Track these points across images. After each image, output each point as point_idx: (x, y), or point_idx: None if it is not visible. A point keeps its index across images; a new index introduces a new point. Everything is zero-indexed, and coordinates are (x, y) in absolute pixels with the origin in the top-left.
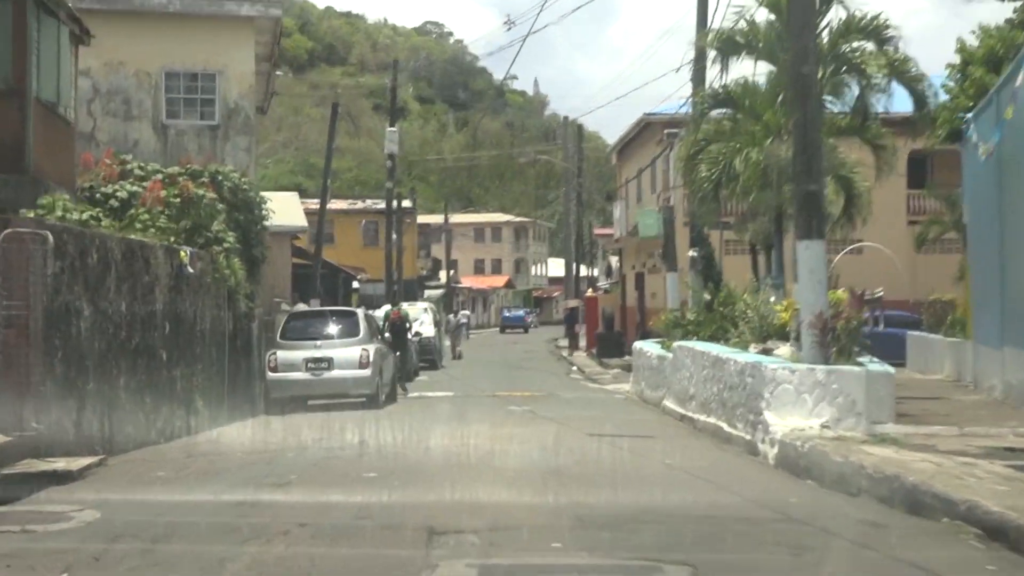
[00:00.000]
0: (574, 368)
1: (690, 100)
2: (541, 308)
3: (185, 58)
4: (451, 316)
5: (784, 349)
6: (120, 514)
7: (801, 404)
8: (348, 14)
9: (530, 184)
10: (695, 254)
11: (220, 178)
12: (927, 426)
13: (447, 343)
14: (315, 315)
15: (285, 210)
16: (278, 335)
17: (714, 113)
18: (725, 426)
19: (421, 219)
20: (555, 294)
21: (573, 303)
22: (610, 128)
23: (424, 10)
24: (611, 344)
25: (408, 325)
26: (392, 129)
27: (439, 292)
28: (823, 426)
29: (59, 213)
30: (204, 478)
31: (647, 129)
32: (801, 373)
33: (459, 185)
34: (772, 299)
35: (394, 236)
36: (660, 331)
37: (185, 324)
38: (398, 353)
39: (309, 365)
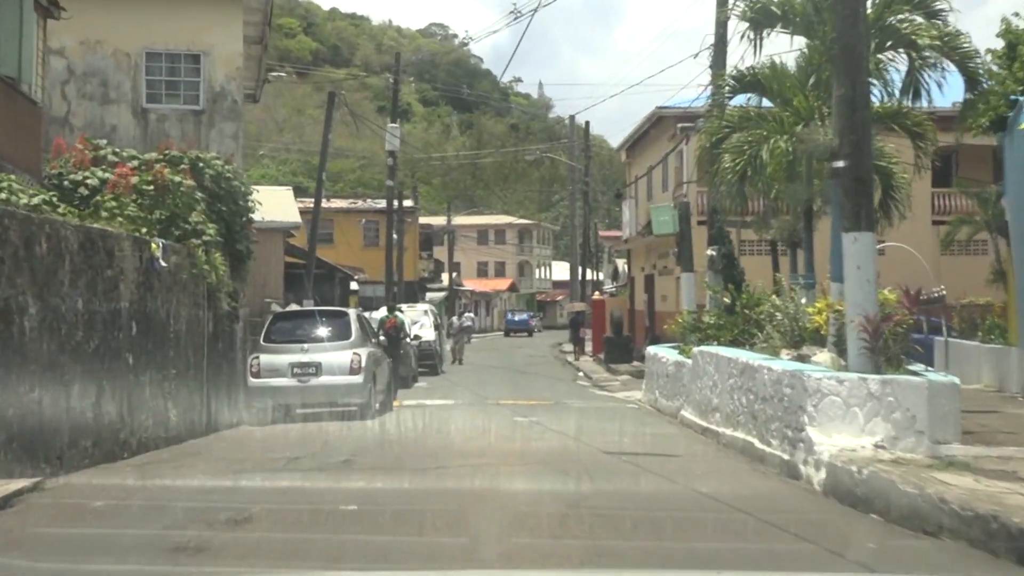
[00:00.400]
0: (580, 374)
1: (709, 88)
2: (545, 312)
3: (167, 38)
4: (454, 319)
5: (823, 356)
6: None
7: (851, 420)
8: (353, 15)
9: (534, 186)
10: (714, 253)
11: (201, 165)
12: (997, 447)
13: (448, 347)
14: (302, 316)
15: (279, 206)
16: (261, 337)
17: (737, 100)
18: (756, 442)
19: (424, 220)
20: (559, 298)
21: (579, 306)
22: (614, 131)
23: (429, 12)
24: (620, 349)
25: (403, 334)
26: (393, 125)
27: (441, 295)
28: (877, 446)
29: (3, 196)
30: (146, 513)
31: (659, 123)
32: (851, 384)
33: (463, 187)
34: (803, 300)
35: (395, 236)
36: (674, 335)
37: (156, 324)
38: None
39: (295, 370)
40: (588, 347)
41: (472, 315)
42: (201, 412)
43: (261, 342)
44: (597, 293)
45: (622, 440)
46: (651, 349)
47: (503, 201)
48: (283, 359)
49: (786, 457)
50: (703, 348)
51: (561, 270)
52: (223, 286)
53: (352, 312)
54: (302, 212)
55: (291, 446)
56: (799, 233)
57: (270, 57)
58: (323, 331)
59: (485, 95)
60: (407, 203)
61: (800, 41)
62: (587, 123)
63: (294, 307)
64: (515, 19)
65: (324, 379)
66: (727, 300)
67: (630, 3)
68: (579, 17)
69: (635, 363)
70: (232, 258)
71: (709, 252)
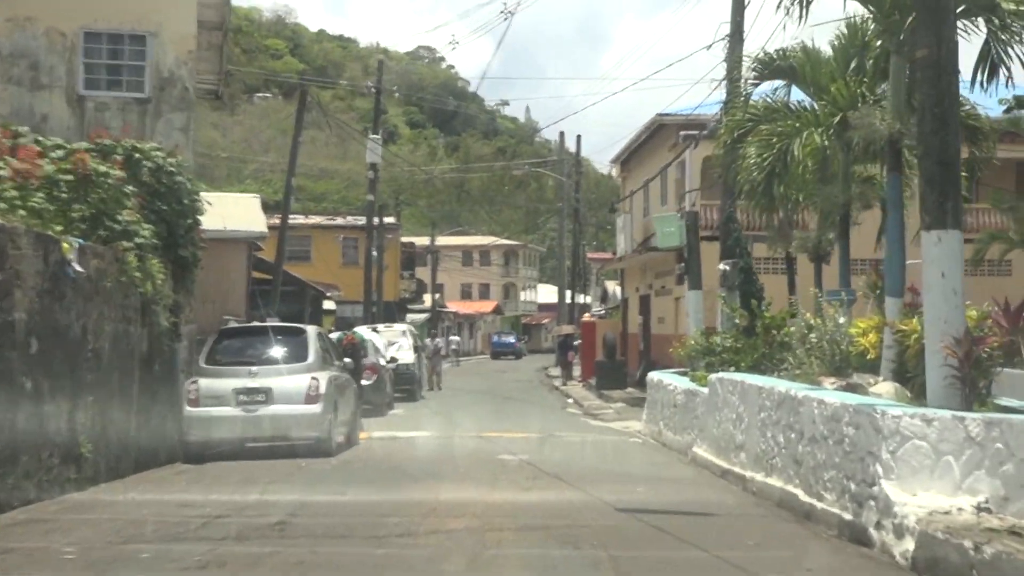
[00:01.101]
0: (570, 401)
1: (722, 85)
2: (530, 335)
3: (109, 15)
4: (428, 340)
5: (884, 386)
6: None
7: (942, 472)
8: (340, 37)
9: (521, 208)
10: (727, 267)
11: (138, 156)
12: None
13: (436, 370)
14: (252, 333)
15: (244, 215)
16: (202, 358)
17: (758, 95)
18: (801, 494)
19: (407, 239)
20: (544, 321)
21: (567, 329)
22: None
23: (417, 35)
24: (613, 375)
25: (363, 353)
26: (375, 136)
27: (424, 316)
28: (980, 508)
29: None
30: None
31: (659, 133)
32: (943, 424)
33: (449, 209)
34: (841, 320)
35: (374, 253)
36: (679, 360)
37: (68, 341)
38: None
39: (241, 398)
40: (576, 372)
41: (458, 338)
42: (127, 448)
43: (202, 363)
44: (588, 315)
45: (634, 489)
46: (654, 375)
47: (489, 223)
48: (227, 384)
49: (848, 517)
50: (723, 375)
51: (547, 293)
52: (161, 298)
53: (311, 330)
54: (274, 226)
55: (217, 496)
56: (826, 245)
57: (254, 78)
58: (276, 351)
59: (472, 117)
60: (389, 220)
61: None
62: (578, 137)
63: (233, 323)
64: (504, 19)
65: (275, 408)
66: (742, 320)
67: (620, 29)
68: (569, 42)
69: (629, 389)
70: (174, 266)
71: (722, 267)
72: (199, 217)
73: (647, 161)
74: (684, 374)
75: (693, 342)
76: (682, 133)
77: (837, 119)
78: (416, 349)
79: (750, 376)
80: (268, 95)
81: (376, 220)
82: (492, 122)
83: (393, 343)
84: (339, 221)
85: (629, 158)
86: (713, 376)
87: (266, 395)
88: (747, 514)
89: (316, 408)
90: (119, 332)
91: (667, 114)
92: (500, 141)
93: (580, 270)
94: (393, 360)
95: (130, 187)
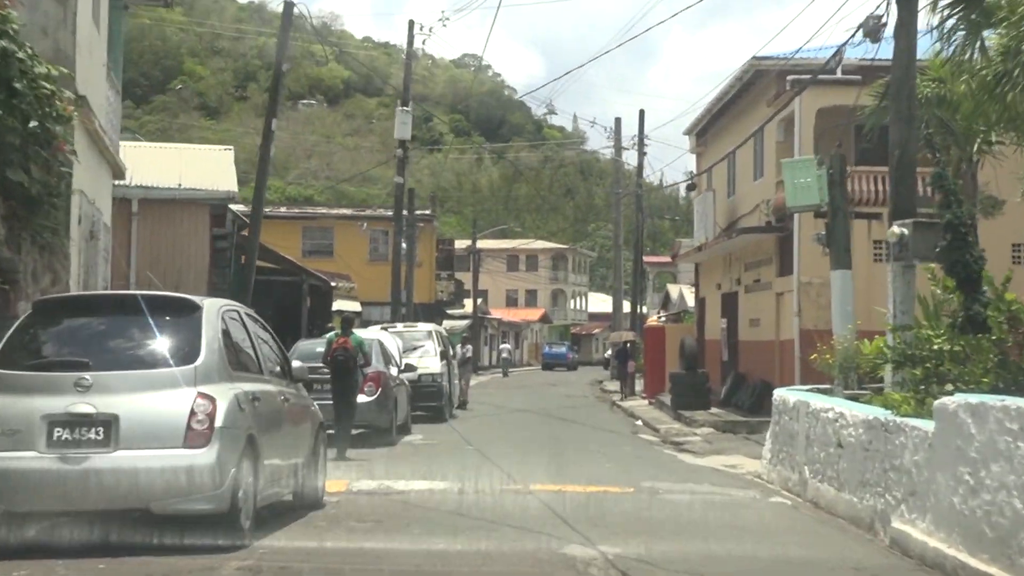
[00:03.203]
0: (639, 424)
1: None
2: (579, 346)
3: None
4: (460, 347)
5: None
6: None
7: None
8: (386, 44)
9: (569, 217)
10: (903, 231)
11: None
12: None
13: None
14: (94, 307)
15: (207, 170)
16: None
17: None
18: None
19: (455, 242)
20: (595, 331)
21: (626, 336)
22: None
23: (463, 43)
24: (693, 391)
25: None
26: (405, 108)
27: (464, 322)
28: None
29: None
30: None
31: (753, 85)
32: None
33: (495, 217)
34: None
35: (403, 244)
36: (823, 371)
37: None
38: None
39: (58, 434)
40: (639, 386)
41: (508, 346)
42: None
43: None
44: (654, 318)
45: None
46: (785, 395)
47: (537, 230)
48: (31, 406)
49: None
50: (983, 399)
51: (597, 302)
52: None
53: (211, 306)
54: (303, 217)
55: None
56: None
57: (299, 85)
58: (132, 344)
59: (519, 125)
60: (423, 213)
61: None
62: (641, 112)
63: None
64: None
65: (121, 456)
66: (956, 307)
67: (667, 46)
68: (616, 57)
69: (714, 410)
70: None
71: (897, 229)
72: (51, 123)
73: (734, 126)
74: (826, 391)
75: (844, 345)
76: (790, 78)
77: None
78: (444, 356)
79: None
80: (313, 102)
81: (406, 205)
82: (538, 131)
83: (415, 347)
84: (367, 212)
85: (708, 127)
86: (949, 401)
87: (105, 429)
88: None
89: (205, 454)
90: None
91: (766, 57)
92: (547, 150)
93: (641, 269)
94: (410, 368)
95: None
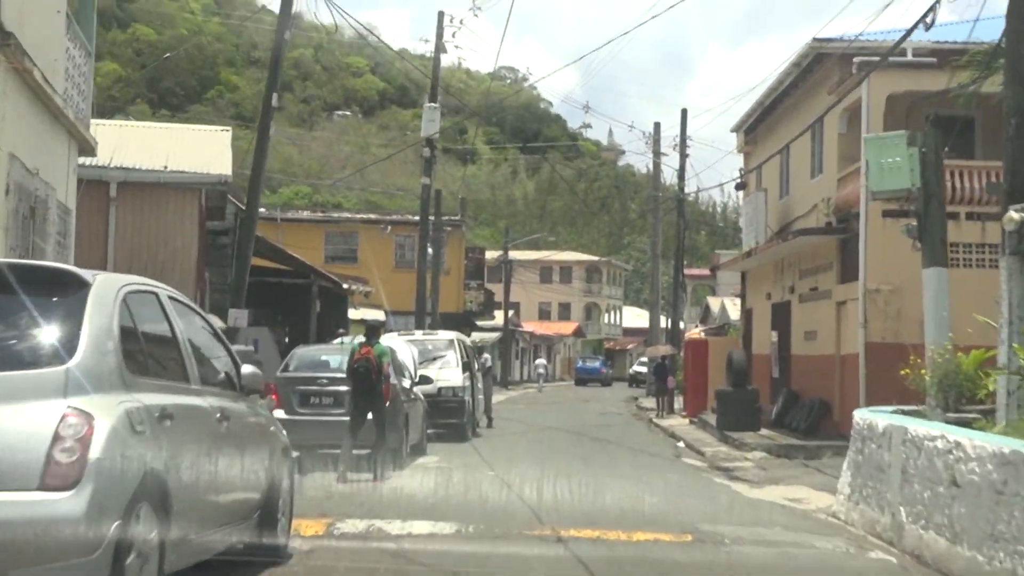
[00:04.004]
0: (681, 445)
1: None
2: (613, 361)
3: None
4: (483, 357)
5: None
6: None
7: None
8: (422, 57)
9: (604, 231)
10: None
11: None
12: None
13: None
14: None
15: (199, 152)
16: None
17: None
18: None
19: (486, 253)
20: (630, 346)
21: (663, 350)
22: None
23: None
24: (742, 410)
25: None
26: (432, 106)
27: (495, 335)
28: None
29: None
30: None
31: (812, 71)
32: None
33: (529, 230)
34: None
35: (428, 249)
36: (916, 389)
37: None
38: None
39: None
40: (678, 403)
41: (544, 361)
42: None
43: None
44: (696, 330)
45: None
46: (876, 418)
47: (571, 244)
48: None
49: None
50: None
51: (633, 316)
52: None
53: (105, 284)
54: (325, 221)
55: None
56: None
57: (335, 96)
58: None
59: (554, 138)
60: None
61: None
62: (684, 111)
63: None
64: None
65: None
66: None
67: (704, 60)
68: (652, 67)
69: (764, 431)
70: None
71: (1016, 215)
72: None
73: (788, 119)
74: (915, 414)
75: (944, 358)
76: (857, 59)
77: None
78: (467, 368)
79: None
80: (347, 112)
81: (432, 209)
82: (574, 143)
83: (434, 358)
84: (393, 217)
85: (758, 121)
86: None
87: None
88: None
89: (71, 500)
90: None
91: (828, 39)
92: (582, 162)
93: (682, 278)
94: (425, 380)
95: None
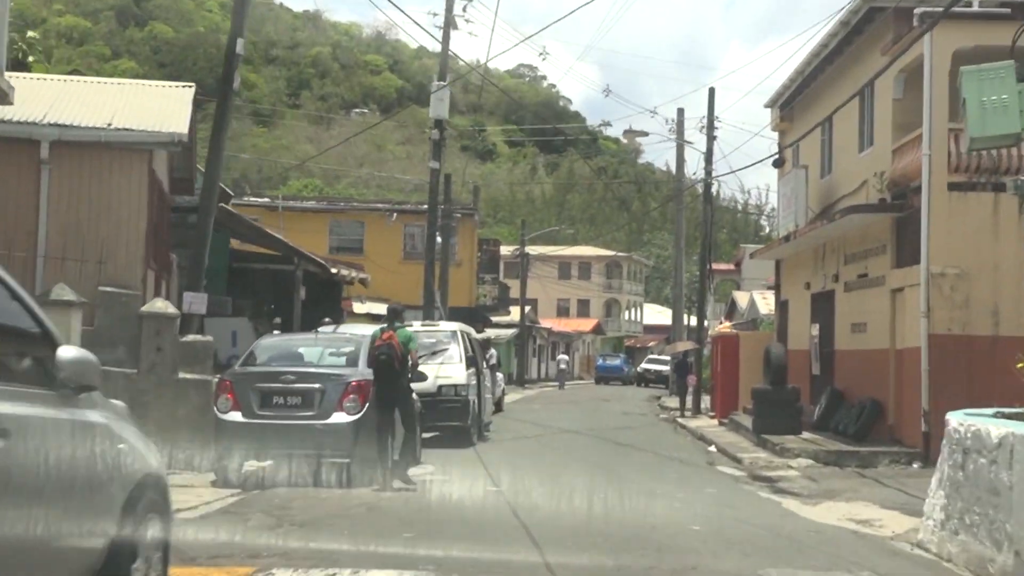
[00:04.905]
0: (712, 450)
1: None
2: (634, 359)
3: None
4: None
5: None
6: None
7: None
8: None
9: (623, 228)
10: None
11: None
12: None
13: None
14: None
15: (153, 109)
16: None
17: None
18: None
19: (489, 238)
20: (651, 344)
21: (684, 346)
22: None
23: (518, 54)
24: (781, 411)
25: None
26: (441, 84)
27: (511, 331)
28: None
29: None
30: None
31: (862, 31)
32: None
33: (548, 227)
34: None
35: (438, 239)
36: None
37: None
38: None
39: None
40: (704, 402)
41: (566, 356)
42: None
43: None
44: (724, 324)
45: None
46: (986, 425)
47: (590, 241)
48: None
49: None
50: None
51: (653, 313)
52: None
53: None
54: (330, 210)
55: None
56: None
57: (353, 94)
58: None
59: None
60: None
61: None
62: (711, 90)
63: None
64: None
65: None
66: None
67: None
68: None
69: (806, 435)
70: None
71: None
72: None
73: (832, 88)
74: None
75: None
76: (918, 10)
77: None
78: (472, 363)
79: None
80: (365, 110)
81: (441, 194)
82: (594, 142)
83: (434, 352)
84: (404, 206)
85: (796, 94)
86: None
87: None
88: None
89: None
90: None
91: None
92: (602, 160)
93: (709, 269)
94: (420, 376)
95: None
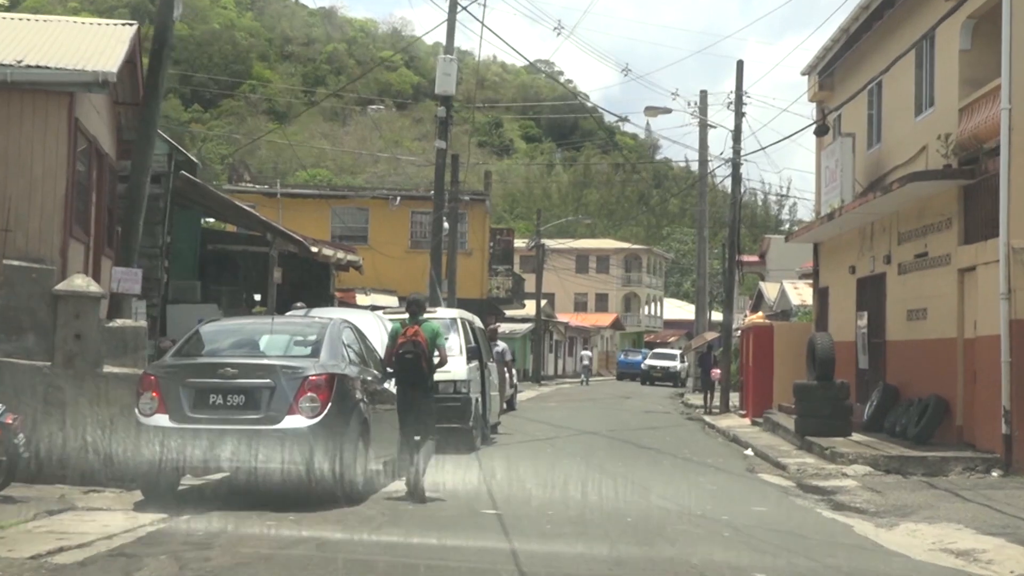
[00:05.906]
0: (749, 454)
1: None
2: None
3: None
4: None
5: None
6: None
7: None
8: (457, 50)
9: (642, 224)
10: None
11: None
12: None
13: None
14: None
15: (79, 47)
16: None
17: None
18: None
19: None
20: (671, 339)
21: (708, 336)
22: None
23: (534, 49)
24: (829, 409)
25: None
26: (447, 58)
27: (526, 326)
28: None
29: None
30: None
31: None
32: None
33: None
34: None
35: (445, 224)
36: None
37: None
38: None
39: None
40: (732, 399)
41: (589, 353)
42: None
43: None
44: (757, 314)
45: None
46: None
47: (606, 235)
48: None
49: None
50: None
51: (673, 308)
52: None
53: None
54: (332, 196)
55: None
56: None
57: (368, 90)
58: None
59: (590, 132)
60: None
61: None
62: (740, 62)
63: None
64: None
65: None
66: None
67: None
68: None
69: (856, 436)
70: None
71: None
72: None
73: (882, 46)
74: None
75: None
76: None
77: None
78: (475, 355)
79: None
80: (381, 107)
81: (449, 175)
82: (611, 137)
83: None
84: (412, 193)
85: (837, 58)
86: None
87: None
88: None
89: None
90: None
91: None
92: (618, 156)
93: (737, 255)
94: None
95: None
